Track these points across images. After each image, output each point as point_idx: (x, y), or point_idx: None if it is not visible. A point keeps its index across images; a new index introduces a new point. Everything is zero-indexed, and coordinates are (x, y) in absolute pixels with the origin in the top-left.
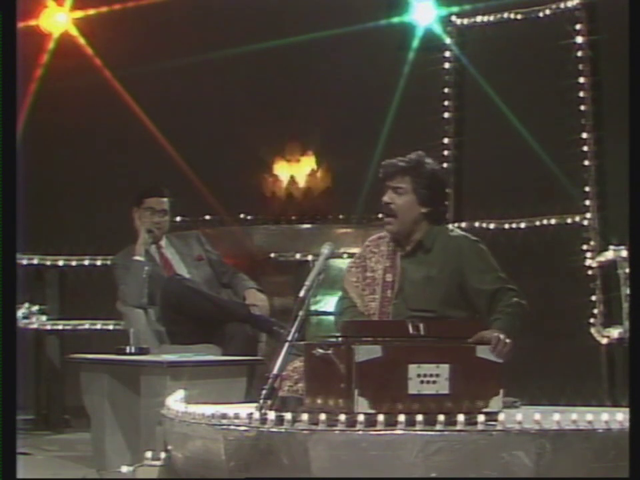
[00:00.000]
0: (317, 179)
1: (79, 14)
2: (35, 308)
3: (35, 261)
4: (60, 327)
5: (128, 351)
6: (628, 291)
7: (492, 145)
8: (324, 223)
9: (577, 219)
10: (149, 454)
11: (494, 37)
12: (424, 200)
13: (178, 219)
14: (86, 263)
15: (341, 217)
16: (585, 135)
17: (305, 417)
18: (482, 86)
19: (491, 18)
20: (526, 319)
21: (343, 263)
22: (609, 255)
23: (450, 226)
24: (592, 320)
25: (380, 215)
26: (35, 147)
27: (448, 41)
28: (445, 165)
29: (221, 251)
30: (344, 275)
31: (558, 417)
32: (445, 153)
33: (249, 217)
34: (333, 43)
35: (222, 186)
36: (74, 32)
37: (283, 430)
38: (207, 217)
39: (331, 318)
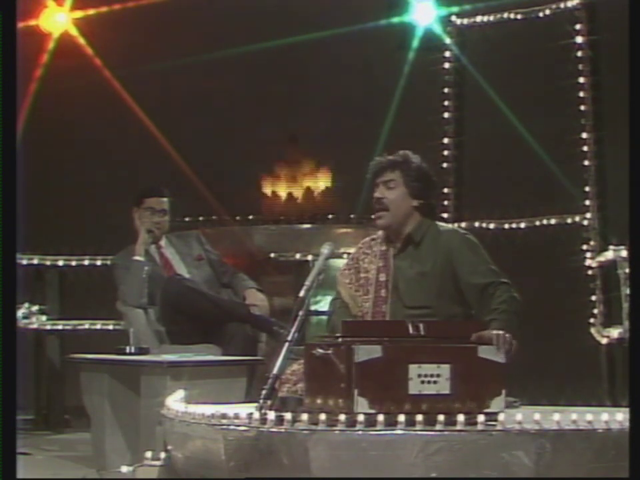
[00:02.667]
0: (317, 178)
1: (79, 14)
2: (35, 308)
3: (35, 261)
4: (60, 327)
5: (128, 351)
6: (628, 291)
7: (492, 144)
8: (324, 222)
9: (577, 219)
10: (148, 454)
11: (494, 37)
12: (415, 193)
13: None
14: (86, 263)
15: (341, 217)
16: (585, 135)
17: (304, 417)
18: (482, 86)
19: (491, 18)
20: (522, 313)
21: (342, 263)
22: (609, 255)
23: (439, 222)
24: (592, 320)
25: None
26: (35, 146)
27: (448, 40)
28: (444, 165)
29: (220, 251)
30: (337, 277)
31: (558, 417)
32: (445, 152)
33: (249, 217)
34: (333, 42)
35: (222, 186)
36: (74, 32)
37: (282, 430)
38: (207, 217)
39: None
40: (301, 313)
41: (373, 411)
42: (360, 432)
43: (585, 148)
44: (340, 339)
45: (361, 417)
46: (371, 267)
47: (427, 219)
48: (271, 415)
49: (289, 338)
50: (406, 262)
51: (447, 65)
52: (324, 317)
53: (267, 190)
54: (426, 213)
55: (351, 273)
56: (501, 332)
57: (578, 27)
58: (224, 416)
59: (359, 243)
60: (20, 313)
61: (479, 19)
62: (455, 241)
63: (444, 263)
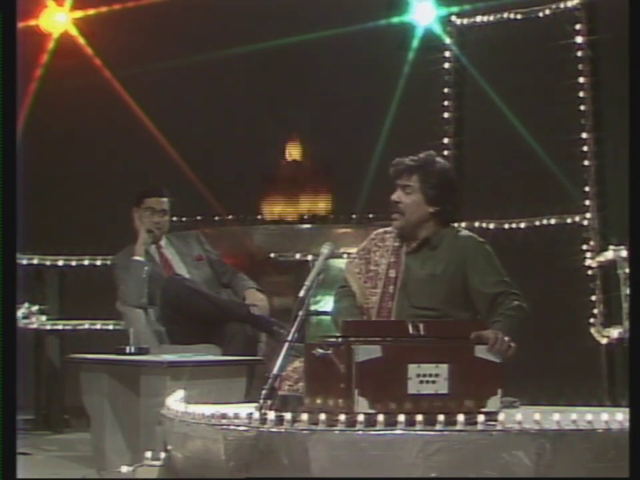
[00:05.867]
0: (316, 178)
1: (79, 14)
2: (35, 308)
3: (35, 261)
4: (60, 327)
5: (128, 351)
6: (628, 291)
7: (492, 144)
8: (324, 223)
9: (577, 218)
10: (148, 454)
11: (494, 37)
12: (431, 199)
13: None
14: (86, 262)
15: (341, 217)
16: (584, 135)
17: (304, 416)
18: (482, 86)
19: (491, 18)
20: (526, 321)
21: (342, 263)
22: (609, 255)
23: (457, 226)
24: (592, 320)
25: (374, 215)
26: (35, 146)
27: (448, 41)
28: None
29: (220, 251)
30: (346, 265)
31: (558, 417)
32: (445, 152)
33: (248, 217)
34: (333, 42)
35: (222, 186)
36: (74, 32)
37: (282, 430)
38: (207, 217)
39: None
40: (300, 312)
41: (372, 411)
42: (360, 432)
43: (585, 148)
44: (340, 339)
45: (360, 417)
46: (382, 261)
47: (444, 224)
48: (271, 415)
49: (289, 338)
50: (418, 262)
51: (447, 65)
52: (324, 317)
53: (268, 190)
54: (443, 219)
55: (361, 263)
56: (499, 332)
57: (578, 26)
58: (224, 416)
59: (372, 234)
60: (20, 313)
61: (478, 18)
62: (471, 247)
63: (456, 267)
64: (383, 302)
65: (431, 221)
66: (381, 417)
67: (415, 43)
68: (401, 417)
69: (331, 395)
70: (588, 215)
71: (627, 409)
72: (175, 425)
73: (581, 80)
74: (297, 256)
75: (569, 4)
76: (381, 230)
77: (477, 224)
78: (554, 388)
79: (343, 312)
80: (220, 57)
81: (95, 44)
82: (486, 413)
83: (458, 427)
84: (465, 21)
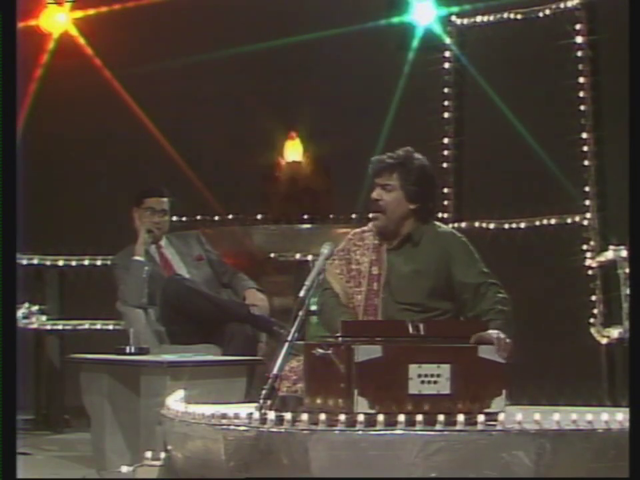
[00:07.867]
0: (316, 178)
1: (79, 14)
2: (35, 308)
3: (35, 261)
4: (60, 327)
5: (128, 350)
6: (628, 291)
7: (492, 144)
8: (324, 222)
9: (577, 219)
10: (148, 454)
11: (494, 37)
12: (412, 196)
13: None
14: (86, 262)
15: (340, 217)
16: (585, 135)
17: (304, 416)
18: (482, 86)
19: (491, 18)
20: (513, 312)
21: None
22: (609, 255)
23: (437, 222)
24: (592, 320)
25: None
26: (35, 147)
27: (448, 41)
28: (444, 164)
29: (220, 251)
30: (326, 267)
31: (558, 417)
32: (445, 152)
33: (249, 217)
34: (333, 42)
35: (222, 186)
36: (74, 32)
37: (282, 430)
38: (207, 217)
39: None
40: (301, 313)
41: (373, 411)
42: (360, 432)
43: (585, 148)
44: (340, 339)
45: (361, 417)
46: (364, 259)
47: (424, 220)
48: (271, 415)
49: (289, 338)
50: (400, 258)
51: (447, 65)
52: None
53: (268, 189)
54: (423, 215)
55: (341, 264)
56: (501, 334)
57: (578, 26)
58: (224, 416)
59: (349, 235)
60: (20, 313)
61: (479, 18)
62: (452, 243)
63: (439, 263)
64: (368, 299)
65: (412, 218)
66: (381, 417)
67: (415, 43)
68: (401, 417)
69: (330, 395)
70: (588, 215)
71: (627, 409)
72: (175, 424)
73: (581, 80)
74: (297, 256)
75: (569, 4)
76: (358, 230)
77: (477, 224)
78: (554, 388)
79: (333, 312)
80: (220, 56)
81: (94, 44)
82: (486, 413)
83: (458, 427)
84: (465, 20)
